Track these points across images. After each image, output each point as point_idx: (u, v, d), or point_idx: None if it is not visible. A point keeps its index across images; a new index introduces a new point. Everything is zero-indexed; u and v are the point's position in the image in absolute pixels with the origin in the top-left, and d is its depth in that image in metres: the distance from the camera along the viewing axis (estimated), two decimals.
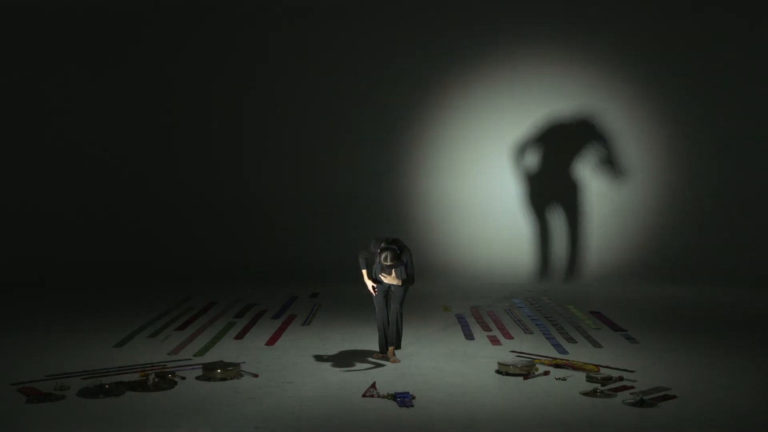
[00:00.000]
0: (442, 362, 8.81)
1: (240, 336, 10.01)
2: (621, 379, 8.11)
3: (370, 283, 8.81)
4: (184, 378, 8.15)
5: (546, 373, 8.34)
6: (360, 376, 8.23)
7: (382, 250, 8.48)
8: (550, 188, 14.18)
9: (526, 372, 8.23)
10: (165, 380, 7.93)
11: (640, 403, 7.33)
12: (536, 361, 8.60)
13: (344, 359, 8.90)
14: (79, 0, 14.28)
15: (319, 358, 8.98)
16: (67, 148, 14.39)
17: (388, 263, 8.48)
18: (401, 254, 8.52)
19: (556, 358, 8.79)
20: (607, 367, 8.51)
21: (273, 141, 14.45)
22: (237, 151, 14.49)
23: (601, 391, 7.69)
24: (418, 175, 14.27)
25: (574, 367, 8.45)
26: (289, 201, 14.36)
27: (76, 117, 14.40)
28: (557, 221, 14.19)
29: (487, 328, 10.42)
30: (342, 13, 14.29)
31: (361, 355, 9.04)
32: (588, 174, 14.11)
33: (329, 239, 13.99)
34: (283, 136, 14.43)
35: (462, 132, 14.23)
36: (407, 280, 8.65)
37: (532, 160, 14.05)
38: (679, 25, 14.02)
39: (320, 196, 14.31)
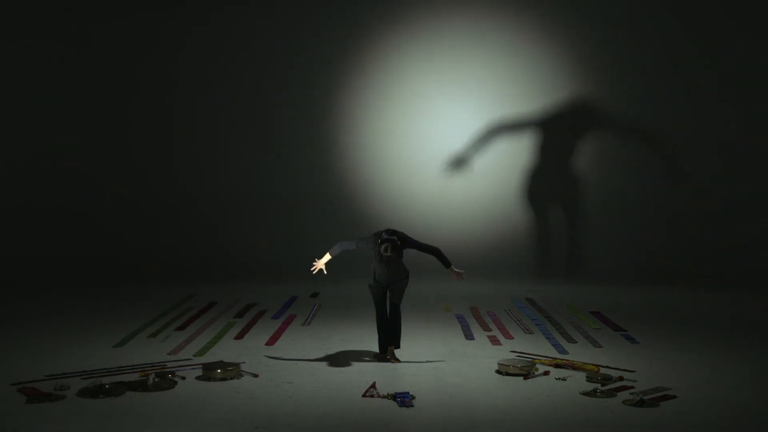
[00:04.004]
0: (442, 362, 8.81)
1: (240, 336, 10.00)
2: (621, 379, 8.11)
3: (320, 263, 8.82)
4: (184, 378, 8.14)
5: (546, 373, 8.33)
6: (360, 376, 8.23)
7: (383, 241, 8.50)
8: (549, 186, 14.19)
9: (526, 372, 8.23)
10: (165, 380, 7.93)
11: (640, 403, 7.33)
12: (536, 361, 8.60)
13: (344, 359, 8.90)
14: None
15: (319, 358, 8.98)
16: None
17: (389, 254, 8.49)
18: (401, 244, 8.55)
19: (556, 358, 8.79)
20: (607, 367, 8.51)
21: (273, 140, 14.46)
22: (240, 151, 14.50)
23: (601, 391, 7.69)
24: (417, 174, 14.27)
25: (574, 367, 8.45)
26: (289, 200, 14.37)
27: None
28: (557, 219, 14.20)
29: (487, 328, 10.42)
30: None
31: (361, 355, 9.04)
32: (588, 171, 14.13)
33: (329, 239, 13.96)
34: (282, 134, 14.45)
35: (462, 132, 14.23)
36: (426, 248, 8.73)
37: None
38: (682, 23, 14.05)
39: (320, 195, 14.32)
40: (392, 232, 8.60)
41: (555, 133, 14.14)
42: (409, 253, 8.77)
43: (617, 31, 14.05)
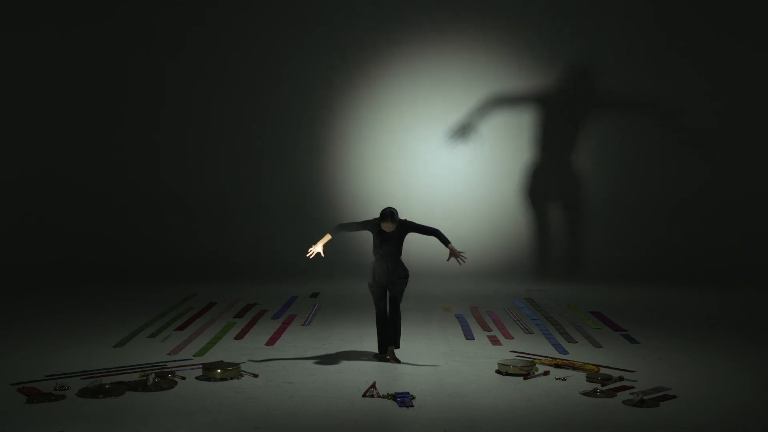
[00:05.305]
0: (442, 362, 8.81)
1: (240, 336, 10.01)
2: (621, 379, 8.11)
3: (316, 249, 8.77)
4: (184, 378, 8.14)
5: (546, 373, 8.33)
6: (360, 376, 8.23)
7: (384, 216, 8.53)
8: (550, 185, 14.18)
9: (526, 372, 8.23)
10: (165, 380, 7.93)
11: (640, 403, 7.33)
12: (536, 361, 8.60)
13: (344, 359, 8.90)
14: None
15: (319, 358, 8.98)
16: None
17: (390, 226, 8.52)
18: (403, 229, 8.62)
19: (556, 358, 8.79)
20: (607, 367, 8.51)
21: (270, 140, 14.46)
22: (237, 152, 14.52)
23: (601, 391, 7.69)
24: (417, 173, 14.26)
25: (574, 367, 8.45)
26: (288, 200, 14.36)
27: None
28: (557, 219, 14.20)
29: (487, 328, 10.42)
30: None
31: (360, 355, 9.04)
32: (588, 170, 14.14)
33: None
34: (279, 135, 14.45)
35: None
36: (427, 230, 8.74)
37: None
38: (685, 20, 14.06)
39: (320, 194, 14.31)
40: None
41: (553, 119, 14.09)
42: (410, 252, 8.76)
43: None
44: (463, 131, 13.80)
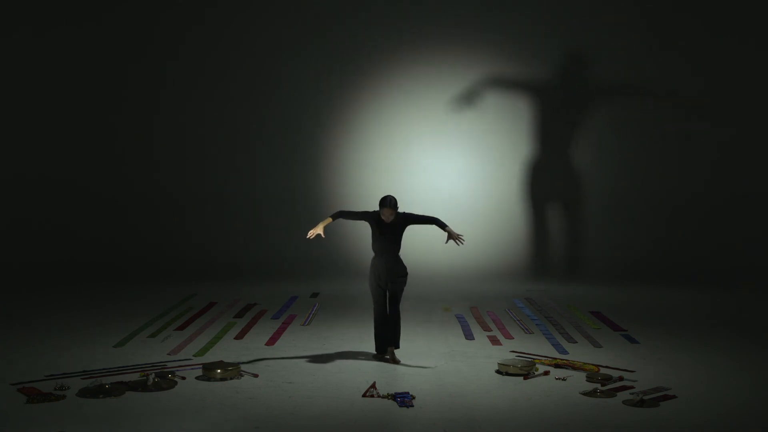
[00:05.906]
0: (442, 362, 8.81)
1: (240, 336, 10.00)
2: (621, 379, 8.11)
3: (317, 230, 8.78)
4: (184, 378, 8.14)
5: (546, 373, 8.33)
6: (360, 376, 8.23)
7: (383, 204, 8.58)
8: (549, 186, 14.18)
9: (526, 372, 8.23)
10: (165, 380, 7.93)
11: (640, 403, 7.33)
12: (536, 361, 8.60)
13: (344, 359, 8.90)
14: None
15: (319, 358, 8.98)
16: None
17: (390, 214, 8.55)
18: (404, 221, 8.67)
19: (556, 358, 8.79)
20: (607, 367, 8.51)
21: (269, 141, 14.46)
22: (236, 153, 14.52)
23: (601, 391, 7.69)
24: (418, 174, 14.27)
25: (574, 367, 8.45)
26: (288, 200, 14.36)
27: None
28: (557, 219, 14.20)
29: (487, 328, 10.42)
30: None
31: (360, 355, 9.04)
32: (588, 170, 14.15)
33: (329, 238, 13.98)
34: (278, 136, 14.46)
35: (463, 131, 14.23)
36: (426, 220, 8.82)
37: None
38: (685, 21, 14.07)
39: (320, 195, 14.31)
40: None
41: (553, 118, 14.11)
42: (409, 252, 8.75)
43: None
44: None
